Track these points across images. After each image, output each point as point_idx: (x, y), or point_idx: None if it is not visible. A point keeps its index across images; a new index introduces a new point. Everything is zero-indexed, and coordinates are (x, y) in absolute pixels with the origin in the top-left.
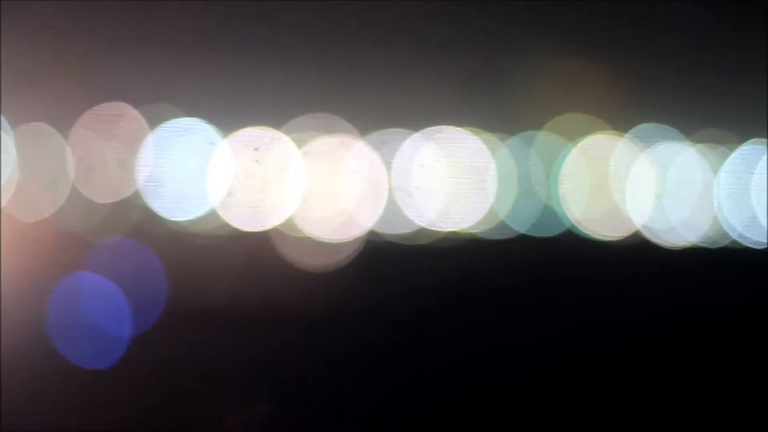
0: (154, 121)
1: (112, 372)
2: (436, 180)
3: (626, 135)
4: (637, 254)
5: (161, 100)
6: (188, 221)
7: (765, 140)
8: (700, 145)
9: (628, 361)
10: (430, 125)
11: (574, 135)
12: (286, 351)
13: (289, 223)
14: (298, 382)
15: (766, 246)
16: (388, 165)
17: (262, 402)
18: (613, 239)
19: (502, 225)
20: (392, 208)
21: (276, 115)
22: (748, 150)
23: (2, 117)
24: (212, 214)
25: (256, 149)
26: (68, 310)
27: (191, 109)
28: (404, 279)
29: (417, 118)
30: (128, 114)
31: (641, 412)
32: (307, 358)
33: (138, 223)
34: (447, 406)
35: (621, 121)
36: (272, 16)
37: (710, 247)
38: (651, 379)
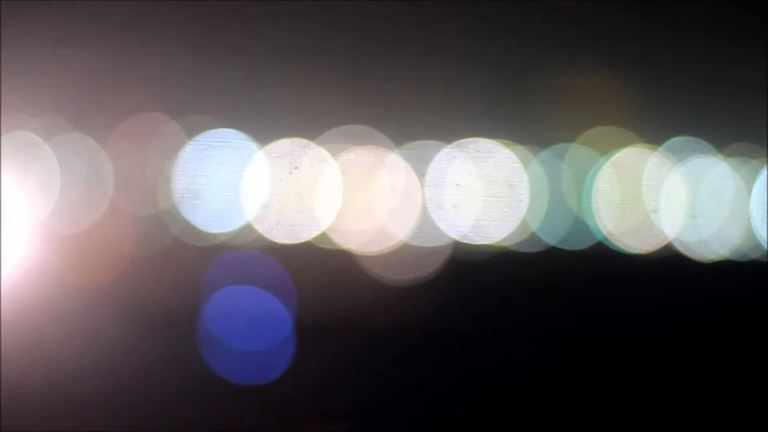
0: (190, 133)
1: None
2: (468, 192)
3: (658, 148)
4: (669, 267)
5: (198, 112)
6: (224, 233)
7: None
8: (732, 159)
9: (659, 374)
10: (463, 137)
11: (606, 148)
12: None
13: (324, 235)
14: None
15: None
16: (422, 177)
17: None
18: (645, 252)
19: (534, 237)
20: (425, 221)
21: (310, 127)
22: None
23: (39, 127)
24: (248, 227)
25: (291, 161)
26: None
27: (227, 121)
28: (435, 291)
29: (450, 130)
30: (165, 125)
31: (671, 422)
32: (340, 369)
33: (177, 236)
34: (476, 415)
35: (653, 134)
36: (308, 29)
37: (742, 260)
38: (683, 392)
